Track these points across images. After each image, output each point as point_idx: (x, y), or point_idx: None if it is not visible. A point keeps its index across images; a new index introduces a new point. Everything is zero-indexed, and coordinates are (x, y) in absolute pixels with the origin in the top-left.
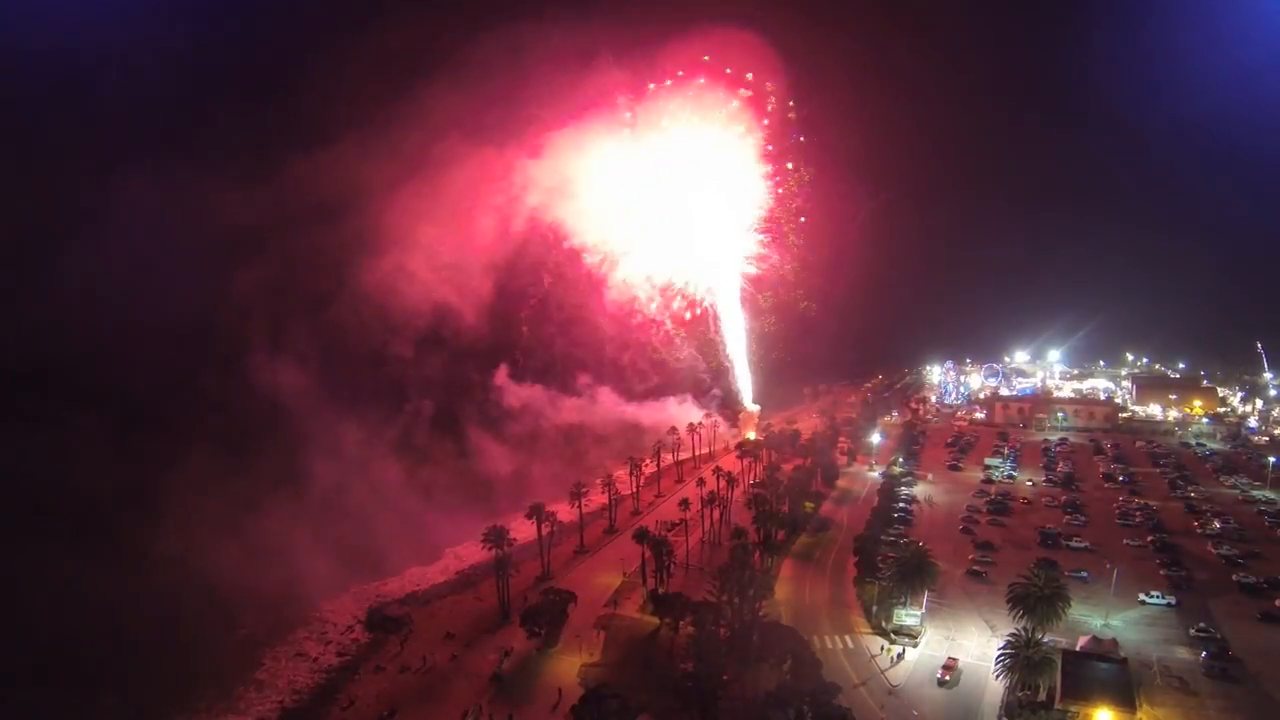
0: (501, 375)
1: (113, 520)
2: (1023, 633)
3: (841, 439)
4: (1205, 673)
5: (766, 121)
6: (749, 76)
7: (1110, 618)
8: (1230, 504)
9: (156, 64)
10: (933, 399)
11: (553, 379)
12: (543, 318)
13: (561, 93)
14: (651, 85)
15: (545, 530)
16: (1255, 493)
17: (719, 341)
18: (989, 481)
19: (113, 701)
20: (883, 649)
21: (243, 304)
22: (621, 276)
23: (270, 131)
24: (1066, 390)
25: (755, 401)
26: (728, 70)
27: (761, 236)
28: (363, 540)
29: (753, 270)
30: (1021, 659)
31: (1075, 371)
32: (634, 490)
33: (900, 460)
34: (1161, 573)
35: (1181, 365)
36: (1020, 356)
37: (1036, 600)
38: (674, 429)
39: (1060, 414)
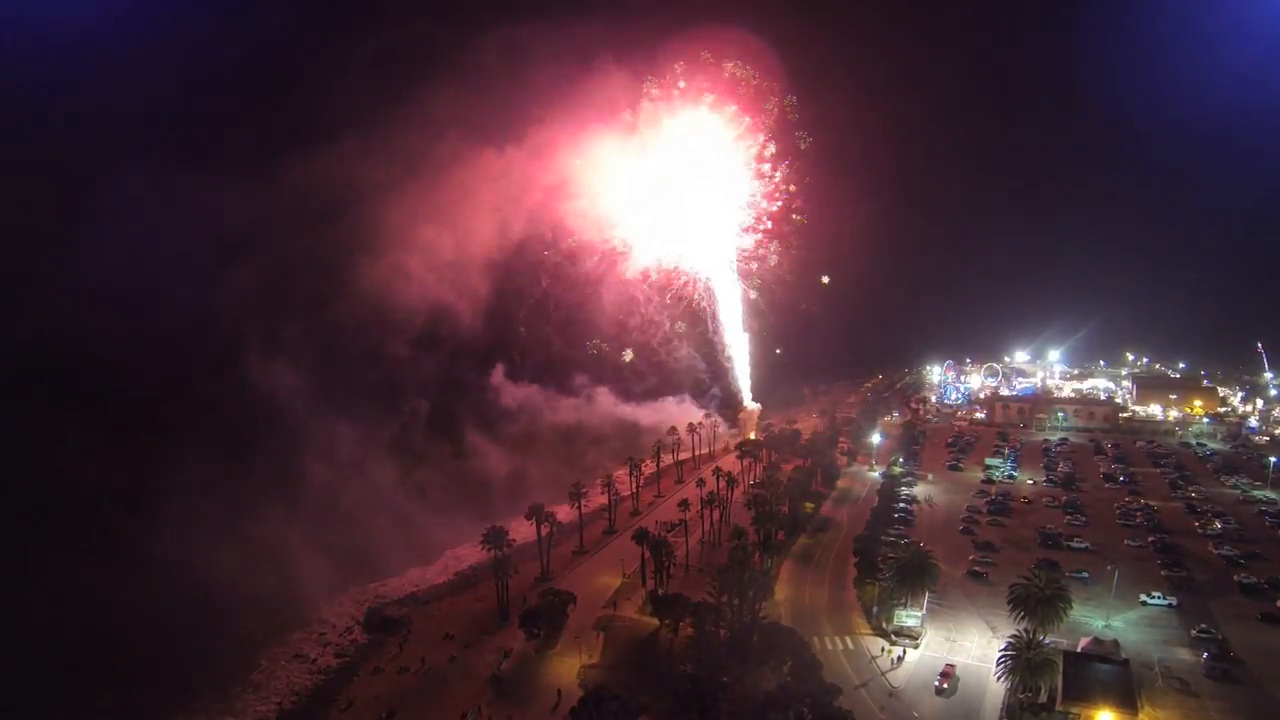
0: (498, 375)
1: (109, 522)
2: (1024, 634)
3: (841, 439)
4: (1206, 674)
5: (766, 122)
6: (749, 77)
7: (1111, 619)
8: (1231, 504)
9: (153, 64)
10: (933, 399)
11: (550, 379)
12: (540, 318)
13: (561, 93)
14: (650, 80)
15: (544, 531)
16: (1256, 493)
17: (718, 341)
18: (989, 482)
19: (110, 702)
20: (883, 650)
21: (239, 305)
22: (620, 277)
23: (267, 131)
24: (1067, 390)
25: (755, 400)
26: (729, 70)
27: (760, 236)
28: (359, 542)
29: (752, 270)
30: (1023, 661)
31: (1075, 371)
32: (633, 491)
33: (900, 460)
34: (1162, 573)
35: (1182, 365)
36: (1020, 356)
37: (1037, 601)
38: (673, 429)
39: (1060, 414)
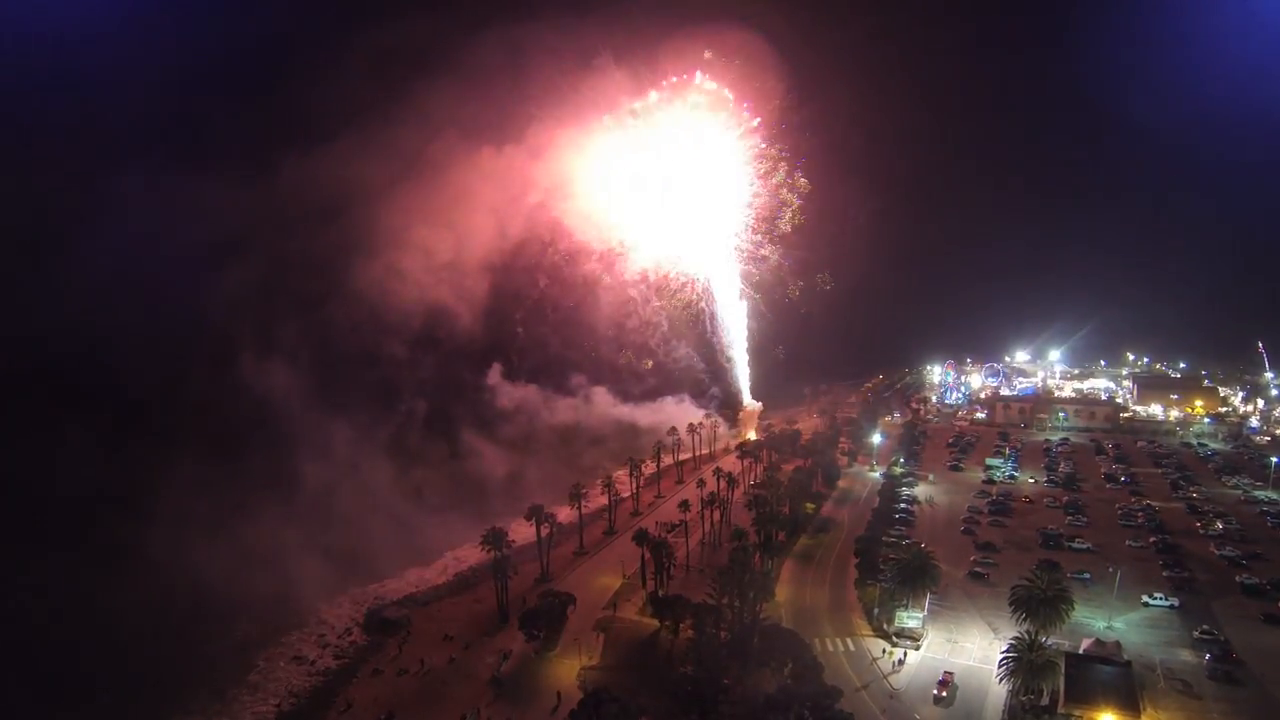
0: (495, 375)
1: (102, 523)
2: (1025, 636)
3: (842, 439)
4: (1209, 675)
5: (767, 121)
6: (750, 77)
7: (1113, 620)
8: (1232, 504)
9: (147, 64)
10: (933, 399)
11: (548, 380)
12: (538, 319)
13: (560, 92)
14: (652, 91)
15: (544, 532)
16: (1257, 493)
17: (717, 341)
18: (990, 482)
19: (107, 703)
20: (884, 652)
21: (235, 305)
22: (619, 278)
23: (263, 131)
24: (1067, 390)
25: (756, 399)
26: (730, 70)
27: (759, 236)
28: (355, 543)
29: (752, 269)
30: (1024, 663)
31: (1076, 371)
32: (633, 491)
33: (901, 461)
34: (1164, 574)
35: (1182, 365)
36: (1021, 356)
37: (1039, 603)
38: (674, 429)
39: (1061, 414)
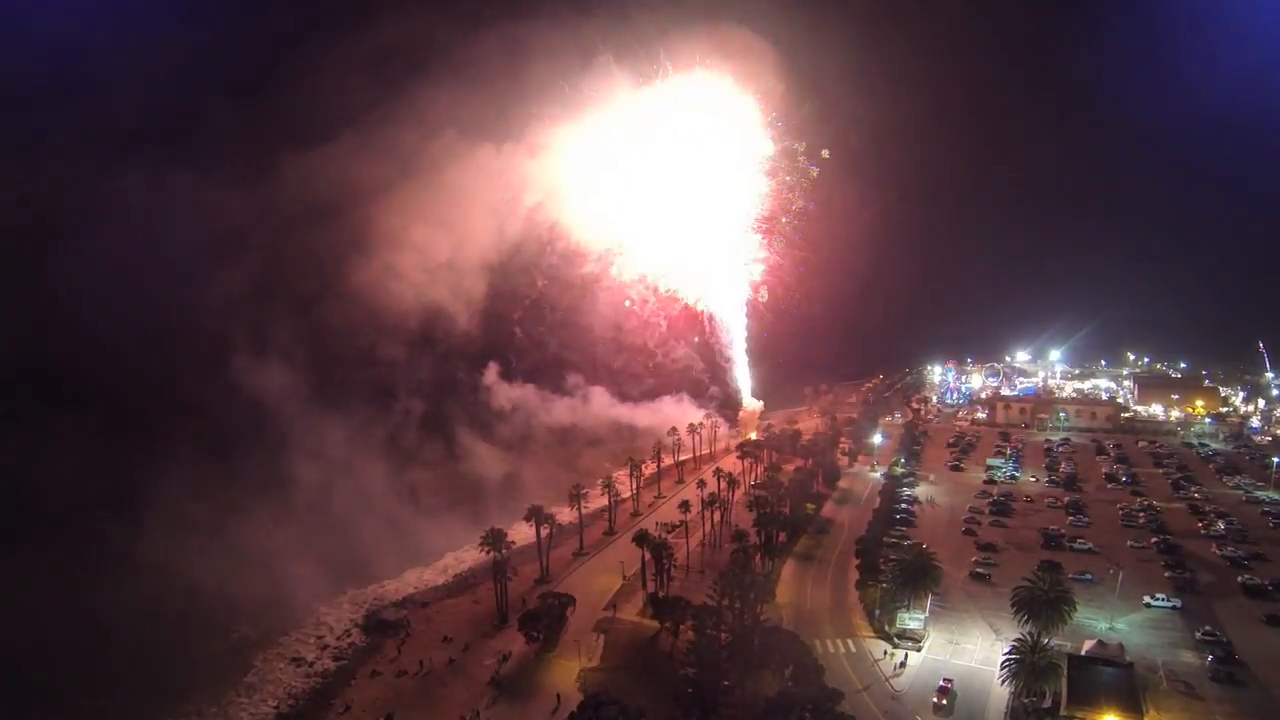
0: (491, 374)
1: (94, 524)
2: (1027, 638)
3: (843, 439)
4: (1211, 677)
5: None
6: (751, 75)
7: (1115, 621)
8: (1234, 505)
9: (143, 64)
10: (934, 399)
11: (545, 381)
12: (536, 320)
13: (560, 91)
14: (650, 76)
15: (544, 533)
16: (1259, 493)
17: (716, 341)
18: (991, 482)
19: (103, 704)
20: (886, 653)
21: (230, 305)
22: (617, 278)
23: (260, 130)
24: (1068, 390)
25: (756, 398)
26: (731, 68)
27: (761, 237)
28: (351, 545)
29: (753, 269)
30: (1027, 665)
31: (1076, 371)
32: (634, 491)
33: (902, 461)
34: (1166, 574)
35: (1183, 365)
36: (1021, 356)
37: (1041, 604)
38: (674, 429)
39: (1062, 414)
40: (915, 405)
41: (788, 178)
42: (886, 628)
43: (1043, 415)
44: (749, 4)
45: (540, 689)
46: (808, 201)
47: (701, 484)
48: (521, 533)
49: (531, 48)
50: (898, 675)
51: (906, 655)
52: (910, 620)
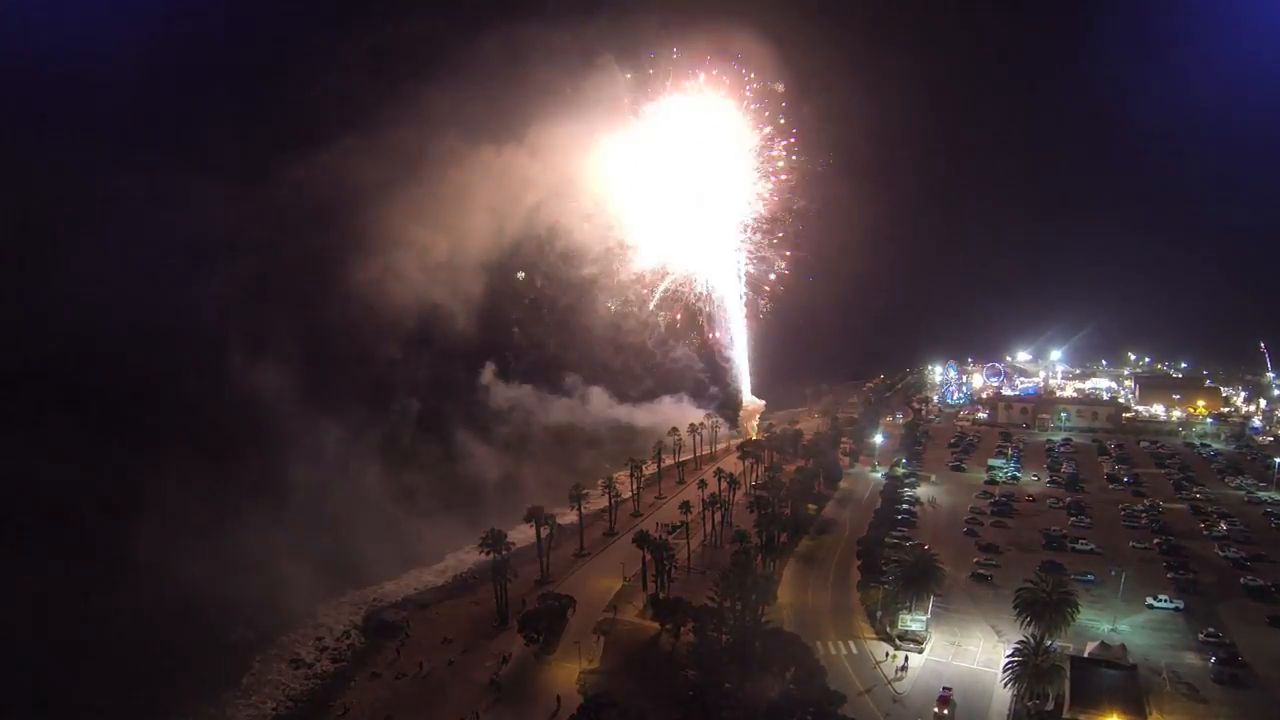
0: (488, 374)
1: (89, 524)
2: (1030, 640)
3: (844, 440)
4: (1214, 679)
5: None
6: (753, 76)
7: (1117, 622)
8: (1236, 505)
9: (143, 64)
10: (934, 399)
11: (543, 381)
12: (534, 319)
13: (562, 91)
14: (654, 89)
15: (544, 533)
16: (1261, 494)
17: (716, 342)
18: (992, 483)
19: (98, 706)
20: (888, 655)
21: (227, 305)
22: (617, 279)
23: (260, 130)
24: (1069, 390)
25: (757, 396)
26: (732, 68)
27: (761, 237)
28: (348, 546)
29: (754, 269)
30: (1029, 667)
31: (1077, 371)
32: (634, 492)
33: (903, 461)
34: (1168, 575)
35: (1184, 365)
36: (1022, 356)
37: (1044, 606)
38: (674, 430)
39: (1064, 414)
40: (916, 405)
41: (788, 178)
42: (888, 629)
43: (1044, 415)
44: (750, 4)
45: (540, 691)
46: (808, 201)
47: (702, 484)
48: (521, 534)
49: (533, 48)
50: (899, 678)
51: (907, 658)
52: (912, 622)
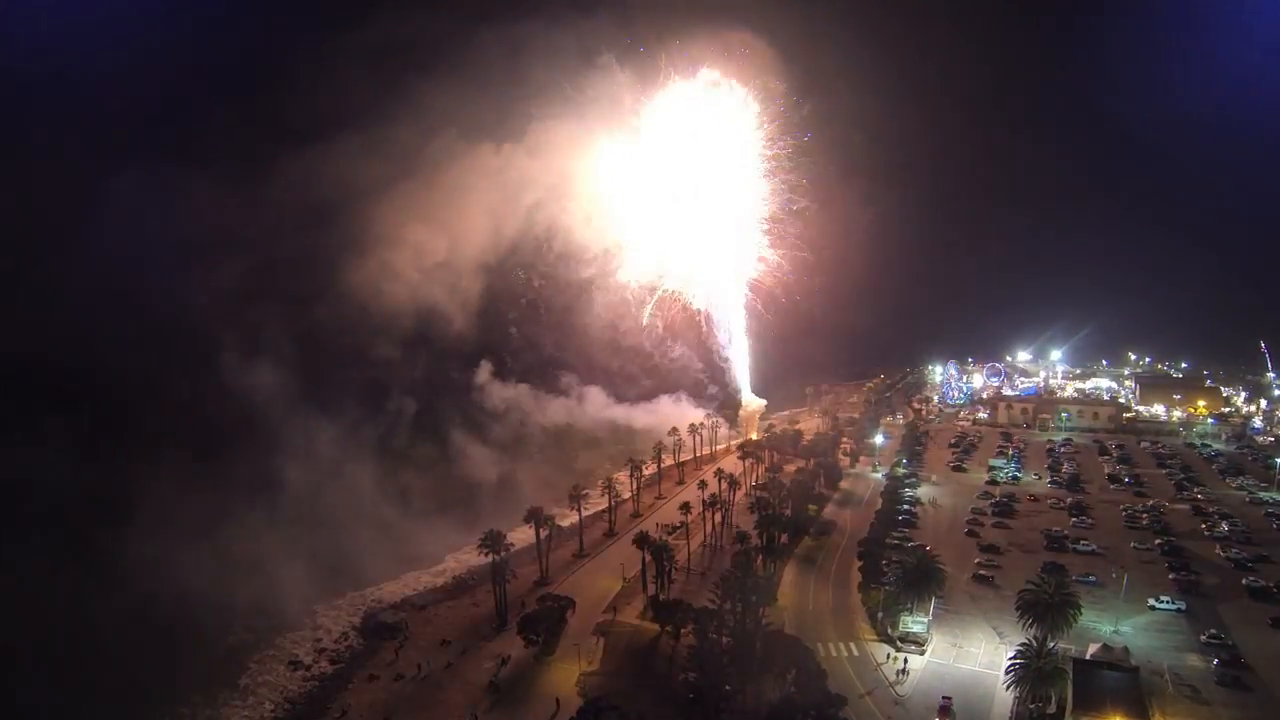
0: (484, 374)
1: (82, 526)
2: (1033, 642)
3: (844, 440)
4: (1217, 681)
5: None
6: (754, 74)
7: (1120, 624)
8: (1237, 506)
9: (138, 62)
10: (935, 399)
11: (540, 381)
12: (532, 320)
13: (562, 90)
14: (651, 76)
15: (543, 534)
16: (1263, 495)
17: (713, 341)
18: (993, 483)
19: (93, 707)
20: (889, 657)
21: (222, 304)
22: (615, 279)
23: (256, 128)
24: (1069, 390)
25: (758, 395)
26: (734, 67)
27: (763, 237)
28: (343, 548)
29: (754, 269)
30: (1032, 669)
31: (1078, 371)
32: (634, 492)
33: (903, 461)
34: (1170, 577)
35: (1184, 365)
36: (1022, 356)
37: (1046, 608)
38: (674, 430)
39: (1064, 414)
40: (916, 405)
41: (788, 177)
42: (889, 631)
43: (1044, 415)
44: (750, 4)
45: (539, 693)
46: (809, 201)
47: (702, 485)
48: (520, 535)
49: (532, 46)
50: (900, 681)
51: (906, 660)
52: (913, 623)
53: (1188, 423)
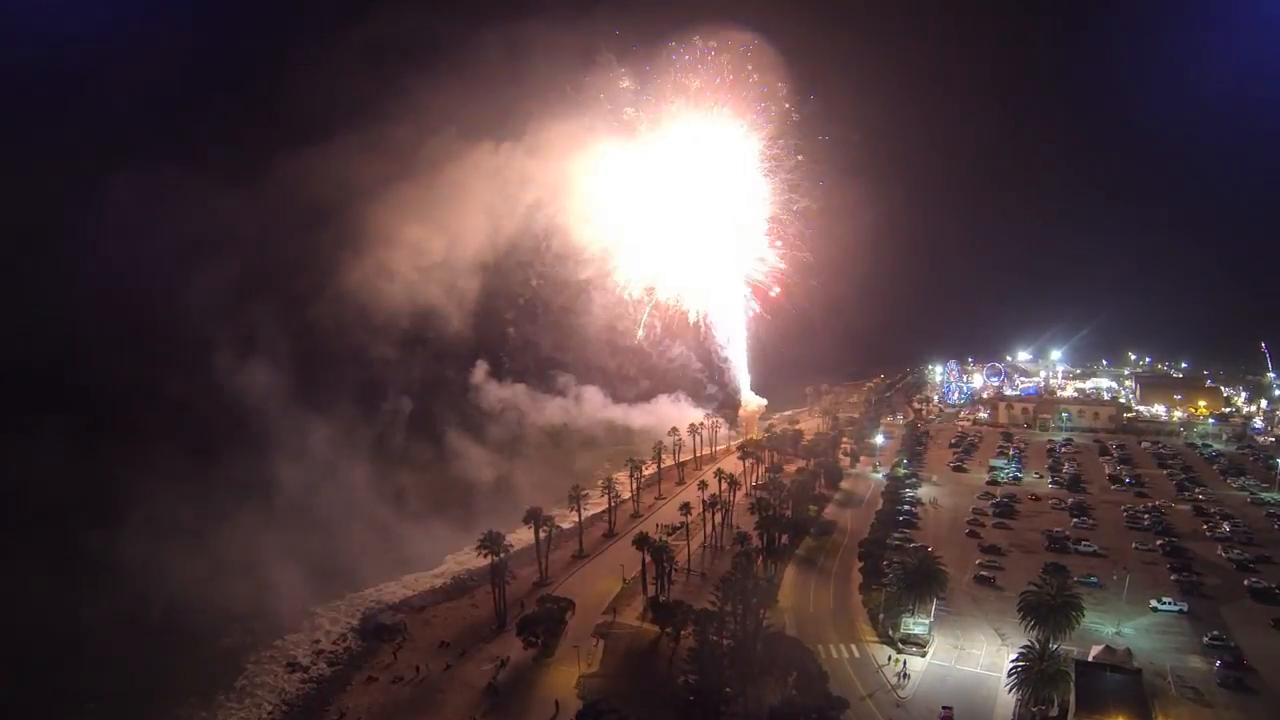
0: (480, 373)
1: (74, 527)
2: (1035, 645)
3: (844, 440)
4: (1220, 683)
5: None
6: (754, 73)
7: (1122, 626)
8: (1239, 507)
9: (135, 61)
10: (935, 399)
11: (537, 381)
12: (529, 320)
13: (561, 89)
14: (651, 75)
15: (543, 535)
16: (1264, 495)
17: (711, 341)
18: (994, 483)
19: (89, 708)
20: (890, 659)
21: (218, 304)
22: (613, 280)
23: (254, 127)
24: (1069, 390)
25: (758, 394)
26: (734, 67)
27: (764, 238)
28: (338, 550)
29: (754, 269)
30: (1035, 672)
31: (1078, 371)
32: (634, 493)
33: (904, 462)
34: (1172, 578)
35: (1184, 364)
36: (1022, 355)
37: (1048, 610)
38: (674, 430)
39: (1065, 414)
40: (917, 405)
41: (788, 177)
42: (891, 632)
43: (1045, 415)
44: (751, 3)
45: (538, 695)
46: (809, 201)
47: (703, 485)
48: (520, 536)
49: (532, 45)
50: (901, 685)
51: (905, 663)
52: (915, 625)
53: (1188, 423)
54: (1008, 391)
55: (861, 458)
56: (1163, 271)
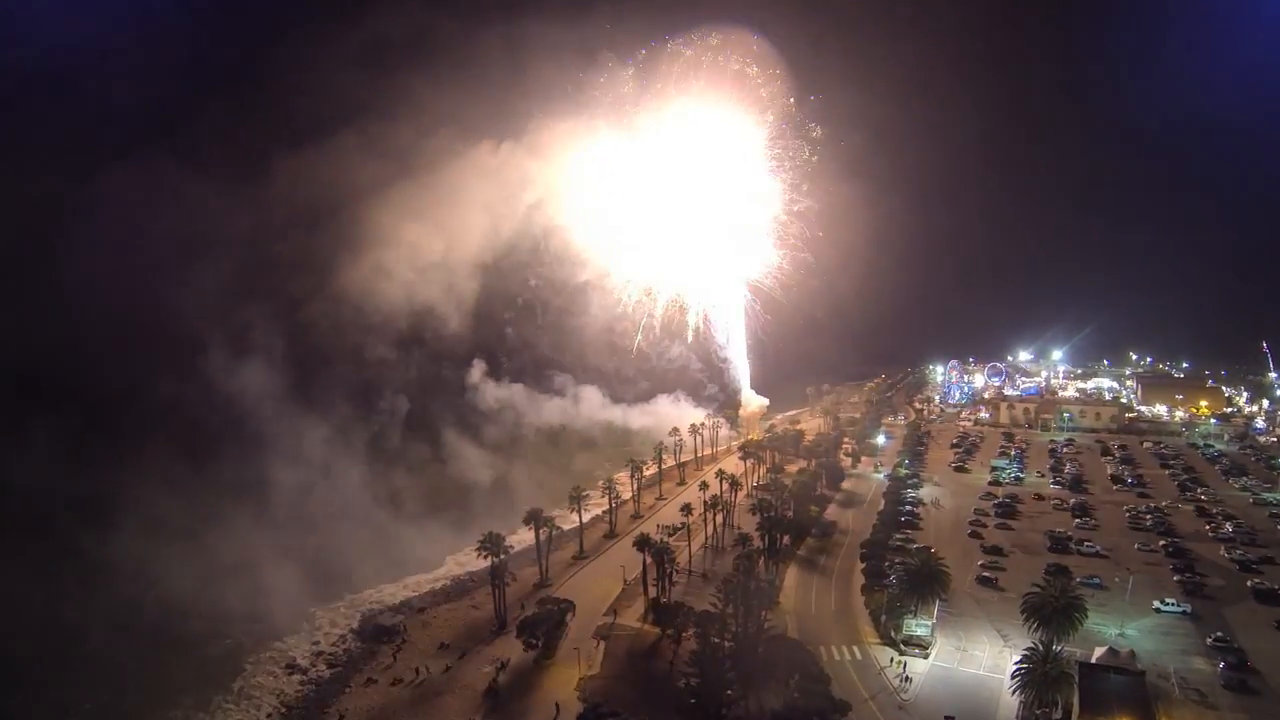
0: (477, 373)
1: (67, 528)
2: (1038, 646)
3: (846, 440)
4: (1224, 684)
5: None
6: (754, 72)
7: (1125, 627)
8: (1241, 507)
9: (129, 60)
10: (936, 399)
11: (535, 382)
12: (528, 320)
13: (561, 89)
14: (651, 75)
15: (543, 536)
16: (1266, 495)
17: (711, 341)
18: (996, 483)
19: (86, 709)
20: (892, 660)
21: (214, 304)
22: (613, 280)
23: (251, 127)
24: (1070, 390)
25: (759, 393)
26: (735, 67)
27: (763, 237)
28: (333, 551)
29: (754, 269)
30: (1038, 674)
31: (1079, 371)
32: (634, 493)
33: (905, 462)
34: (1174, 579)
35: (1185, 364)
36: (1023, 355)
37: (1052, 611)
38: (675, 430)
39: (1066, 414)
40: (918, 405)
41: (789, 177)
42: (893, 634)
43: (1046, 416)
44: (751, 3)
45: (538, 698)
46: (810, 201)
47: (704, 486)
48: (519, 536)
49: (532, 44)
50: (904, 688)
51: (905, 665)
52: (917, 626)
53: (1190, 423)
54: (1009, 391)
55: (863, 458)
56: (1164, 271)
